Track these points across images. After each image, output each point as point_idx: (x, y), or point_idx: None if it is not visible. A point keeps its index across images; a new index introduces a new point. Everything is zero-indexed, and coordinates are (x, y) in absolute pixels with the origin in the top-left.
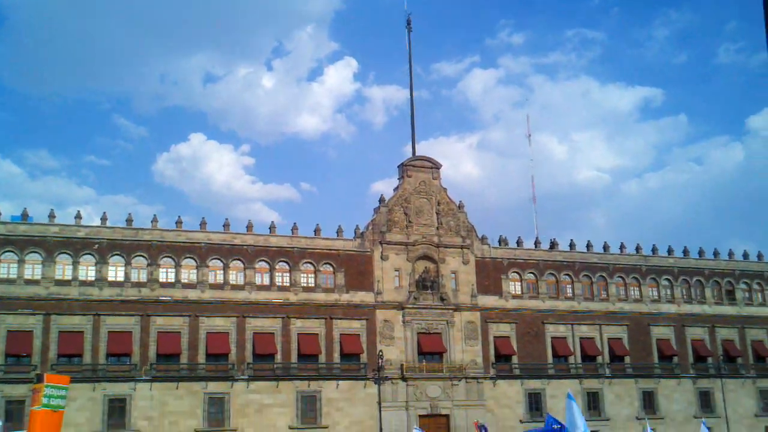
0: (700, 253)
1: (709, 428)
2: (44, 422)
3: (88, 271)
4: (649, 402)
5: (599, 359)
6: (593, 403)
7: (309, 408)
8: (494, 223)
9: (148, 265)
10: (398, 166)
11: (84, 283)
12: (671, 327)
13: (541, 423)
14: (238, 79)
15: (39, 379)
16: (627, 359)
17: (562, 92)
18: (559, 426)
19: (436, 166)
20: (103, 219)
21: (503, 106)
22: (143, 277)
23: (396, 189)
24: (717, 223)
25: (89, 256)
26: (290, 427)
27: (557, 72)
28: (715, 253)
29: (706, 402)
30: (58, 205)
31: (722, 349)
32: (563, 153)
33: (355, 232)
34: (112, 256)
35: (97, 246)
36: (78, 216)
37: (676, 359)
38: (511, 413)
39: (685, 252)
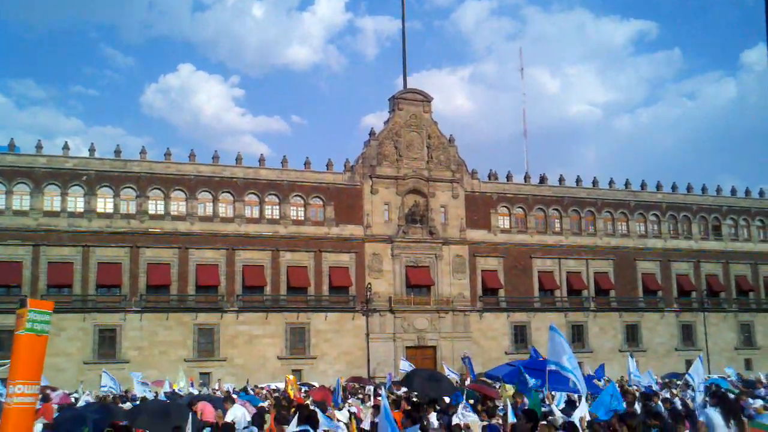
0: (689, 188)
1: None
2: (28, 346)
3: (76, 202)
4: (632, 335)
5: (585, 293)
6: (577, 336)
7: (298, 339)
8: (485, 158)
9: (137, 197)
10: (389, 99)
11: (73, 215)
12: (657, 262)
13: (526, 355)
14: (226, 7)
15: (23, 304)
16: (612, 293)
17: (556, 24)
18: (542, 359)
19: (427, 99)
20: (92, 150)
21: (496, 39)
22: (132, 208)
23: (386, 122)
24: (707, 159)
25: (78, 187)
26: (279, 358)
27: (551, 3)
28: (703, 189)
29: (688, 335)
30: (46, 136)
31: (706, 284)
32: (555, 87)
33: (345, 166)
34: (100, 187)
35: (85, 177)
36: (66, 147)
37: (660, 293)
38: (496, 345)
39: (674, 188)
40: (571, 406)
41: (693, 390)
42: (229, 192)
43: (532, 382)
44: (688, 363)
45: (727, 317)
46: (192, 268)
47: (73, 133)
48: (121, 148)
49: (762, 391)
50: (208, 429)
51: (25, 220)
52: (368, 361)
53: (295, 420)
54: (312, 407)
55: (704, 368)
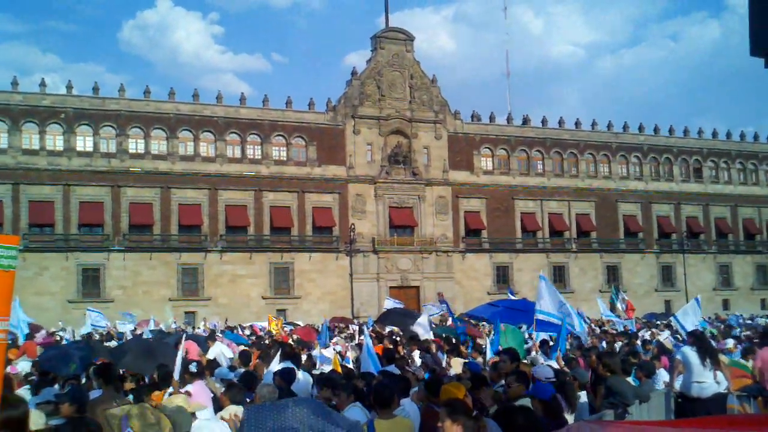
0: (671, 131)
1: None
2: None
3: (55, 140)
4: (612, 275)
5: (566, 234)
6: (559, 277)
7: (282, 279)
8: (468, 99)
9: (117, 135)
10: (371, 38)
11: (52, 153)
12: (638, 204)
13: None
14: None
15: None
16: (593, 234)
17: None
18: (523, 300)
19: (409, 39)
20: (69, 87)
21: None
22: (112, 147)
23: (369, 61)
24: (690, 101)
25: (56, 125)
26: (263, 297)
27: None
28: (685, 132)
29: (667, 276)
30: (23, 73)
31: (686, 226)
32: (539, 27)
33: (327, 106)
34: (79, 125)
35: (63, 115)
36: (42, 84)
37: (641, 235)
38: (478, 285)
39: (656, 130)
40: (545, 345)
41: (676, 332)
42: (210, 131)
43: (524, 327)
44: (668, 303)
45: (706, 259)
46: (174, 208)
47: (51, 70)
48: (100, 86)
49: (737, 331)
50: (194, 364)
51: (3, 158)
52: (352, 300)
53: (277, 357)
54: (295, 345)
55: (699, 311)
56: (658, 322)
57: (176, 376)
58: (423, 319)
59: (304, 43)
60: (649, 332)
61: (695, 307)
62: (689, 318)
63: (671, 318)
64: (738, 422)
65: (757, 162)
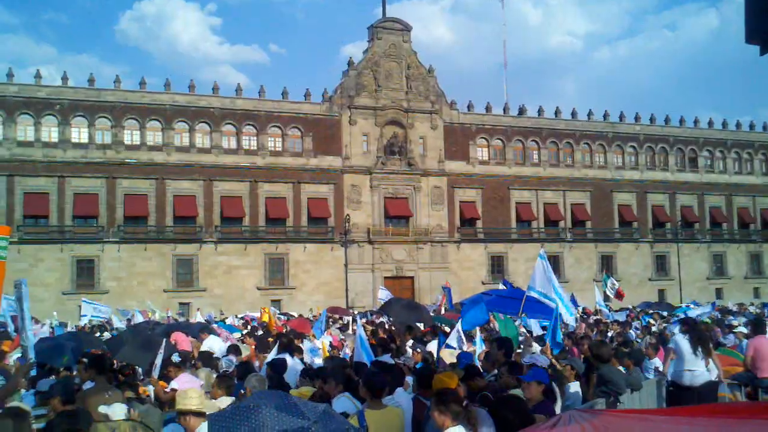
0: (666, 120)
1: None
2: None
3: (50, 132)
4: (607, 265)
5: (561, 224)
6: (554, 266)
7: (277, 269)
8: (464, 89)
9: (112, 126)
10: (368, 28)
11: (47, 145)
12: (633, 193)
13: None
14: None
15: None
16: (588, 224)
17: None
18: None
19: (406, 29)
20: (65, 79)
21: None
22: (108, 139)
23: (365, 52)
24: (686, 91)
25: (51, 116)
26: (258, 288)
27: None
28: (681, 121)
29: (661, 265)
30: (18, 64)
31: (681, 215)
32: (537, 17)
33: (323, 96)
34: (74, 117)
35: (58, 107)
36: (38, 75)
37: (636, 224)
38: (473, 275)
39: (652, 119)
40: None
41: (663, 318)
42: (205, 122)
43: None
44: (661, 293)
45: (700, 248)
46: (169, 199)
47: (47, 62)
48: (96, 77)
49: (731, 318)
50: (176, 354)
51: None
52: (347, 291)
53: (275, 348)
54: (290, 336)
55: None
56: (651, 311)
57: (156, 373)
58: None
59: (301, 33)
60: (647, 321)
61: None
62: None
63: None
64: (729, 410)
65: (753, 151)
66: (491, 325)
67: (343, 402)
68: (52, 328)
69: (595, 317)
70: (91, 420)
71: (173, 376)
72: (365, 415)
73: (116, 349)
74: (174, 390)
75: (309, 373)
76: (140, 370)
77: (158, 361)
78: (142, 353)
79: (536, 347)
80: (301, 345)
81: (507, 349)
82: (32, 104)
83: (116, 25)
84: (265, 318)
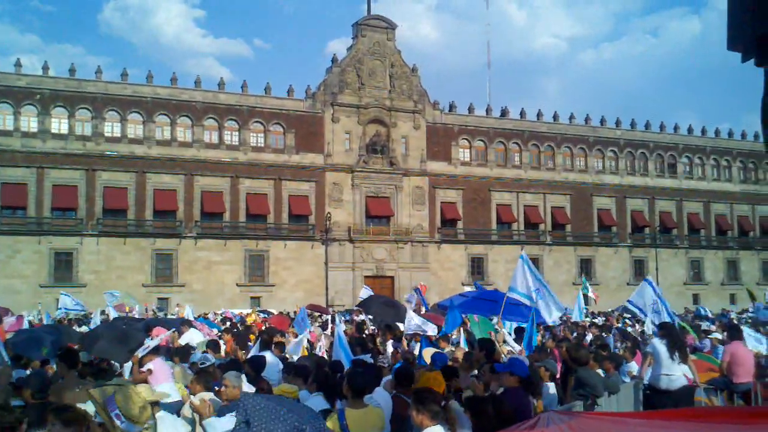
0: (647, 126)
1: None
2: None
3: (30, 122)
4: (586, 269)
5: (541, 227)
6: None
7: (257, 266)
8: (447, 89)
9: (93, 118)
10: (352, 25)
11: (26, 135)
12: (613, 198)
13: (484, 286)
14: None
15: None
16: (568, 227)
17: None
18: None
19: (391, 27)
20: (45, 68)
21: None
22: (88, 130)
23: (349, 49)
24: (668, 96)
25: (31, 106)
26: (238, 284)
27: None
28: (661, 127)
29: (639, 270)
30: (1, 53)
31: (659, 221)
32: (522, 18)
33: (306, 93)
34: (54, 107)
35: (38, 96)
36: (18, 64)
37: (615, 229)
38: (453, 276)
39: (632, 124)
40: (518, 333)
41: (640, 322)
42: (187, 116)
43: (495, 319)
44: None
45: (678, 253)
46: (150, 193)
47: (30, 51)
48: (78, 68)
49: (706, 324)
50: (154, 340)
51: None
52: (327, 289)
53: (257, 345)
54: (271, 333)
55: (654, 292)
56: (628, 315)
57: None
58: (413, 316)
59: (286, 29)
60: (623, 324)
61: (645, 287)
62: (641, 300)
63: (627, 303)
64: (705, 415)
65: (731, 159)
66: (467, 327)
67: (320, 401)
68: (39, 320)
69: (573, 320)
70: (63, 411)
71: (146, 362)
72: (346, 414)
73: (92, 343)
74: (150, 371)
75: (291, 371)
76: (117, 364)
77: (140, 353)
78: (118, 347)
79: (516, 347)
80: (283, 341)
81: (488, 350)
82: (12, 93)
83: (100, 13)
84: (250, 320)
